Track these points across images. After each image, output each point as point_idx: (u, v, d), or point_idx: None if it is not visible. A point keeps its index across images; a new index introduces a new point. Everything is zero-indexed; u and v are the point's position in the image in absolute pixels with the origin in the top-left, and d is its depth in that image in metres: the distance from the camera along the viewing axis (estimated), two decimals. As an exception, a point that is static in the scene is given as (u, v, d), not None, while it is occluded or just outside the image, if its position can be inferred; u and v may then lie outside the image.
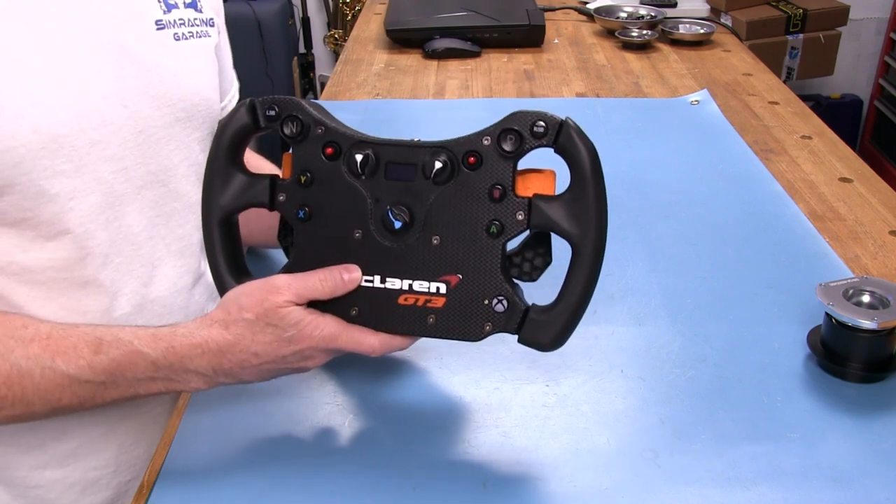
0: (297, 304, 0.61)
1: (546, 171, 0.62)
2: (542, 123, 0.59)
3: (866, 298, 0.74)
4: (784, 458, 0.65)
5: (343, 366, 0.77)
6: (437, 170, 0.61)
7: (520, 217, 0.61)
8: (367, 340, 0.63)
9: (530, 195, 0.61)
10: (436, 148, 0.62)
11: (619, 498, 0.62)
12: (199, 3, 0.80)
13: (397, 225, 0.62)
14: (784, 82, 1.56)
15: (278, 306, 0.60)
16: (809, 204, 1.04)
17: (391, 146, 0.63)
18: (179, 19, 0.77)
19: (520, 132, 0.60)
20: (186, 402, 0.72)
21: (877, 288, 0.74)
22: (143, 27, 0.74)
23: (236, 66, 0.94)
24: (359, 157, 0.62)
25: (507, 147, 0.60)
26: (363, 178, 0.63)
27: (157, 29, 0.75)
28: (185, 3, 0.78)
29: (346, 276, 0.62)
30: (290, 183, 0.64)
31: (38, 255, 0.68)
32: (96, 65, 0.69)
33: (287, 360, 0.62)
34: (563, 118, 0.60)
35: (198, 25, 0.79)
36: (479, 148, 0.61)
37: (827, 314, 0.73)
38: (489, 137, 0.61)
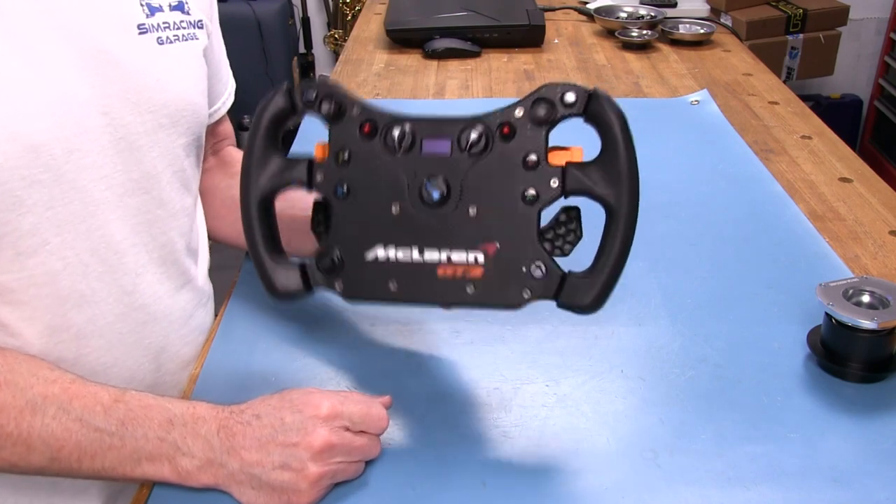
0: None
1: (573, 147, 0.64)
2: (572, 93, 0.61)
3: (866, 298, 0.74)
4: (784, 458, 0.65)
5: (343, 365, 0.77)
6: (472, 141, 0.62)
7: (554, 184, 0.62)
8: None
9: (563, 164, 0.63)
10: (470, 121, 0.63)
11: (619, 498, 0.62)
12: (186, 5, 0.78)
13: (435, 195, 0.63)
14: (784, 82, 1.56)
15: (310, 402, 0.63)
16: (809, 204, 1.04)
17: (426, 122, 0.64)
18: (164, 23, 0.75)
19: (551, 101, 0.62)
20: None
21: (877, 288, 0.74)
22: (125, 32, 0.72)
23: (236, 66, 0.93)
24: (396, 133, 0.63)
25: (539, 115, 0.62)
26: (400, 153, 0.64)
27: (140, 33, 0.73)
28: (170, 5, 0.76)
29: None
30: (327, 163, 0.65)
31: (18, 275, 0.66)
32: (75, 71, 0.67)
33: (283, 437, 0.62)
34: (593, 87, 0.62)
35: (184, 28, 0.77)
36: (512, 119, 0.63)
37: (827, 314, 0.74)
38: (521, 108, 0.62)
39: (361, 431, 0.64)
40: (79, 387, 0.63)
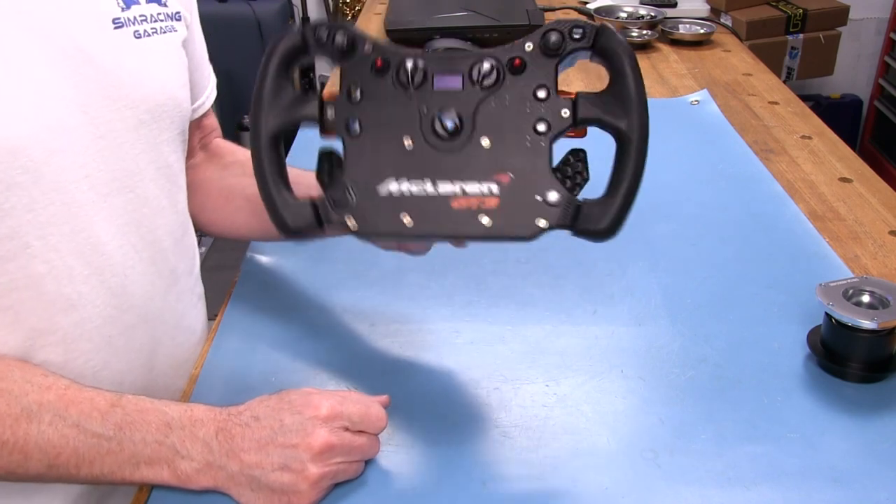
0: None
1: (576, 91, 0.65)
2: (580, 27, 0.63)
3: (866, 298, 0.74)
4: (784, 458, 0.65)
5: (343, 365, 0.77)
6: (484, 73, 0.63)
7: (565, 113, 0.63)
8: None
9: (573, 95, 0.64)
10: (481, 55, 0.64)
11: (619, 498, 0.62)
12: None
13: (449, 125, 0.63)
14: (784, 82, 1.56)
15: (310, 403, 0.63)
16: (809, 204, 1.04)
17: (438, 57, 0.65)
18: (140, 16, 0.74)
19: (561, 33, 0.63)
20: (187, 401, 0.72)
21: (877, 288, 0.74)
22: (100, 27, 0.70)
23: (236, 65, 0.92)
24: (409, 67, 0.64)
25: (549, 45, 0.63)
26: (412, 88, 0.64)
27: (115, 28, 0.71)
28: None
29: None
30: (339, 99, 0.65)
31: (1, 279, 0.65)
32: (52, 71, 0.66)
33: (282, 438, 0.61)
34: (600, 23, 0.63)
35: (162, 20, 0.76)
36: (522, 53, 0.63)
37: (827, 314, 0.73)
38: (531, 43, 0.63)
39: (361, 431, 0.64)
40: (74, 392, 0.63)
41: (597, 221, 0.63)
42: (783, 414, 0.70)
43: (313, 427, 0.61)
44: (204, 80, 0.87)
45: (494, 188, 0.63)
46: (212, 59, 0.91)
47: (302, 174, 0.68)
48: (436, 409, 0.72)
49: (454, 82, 0.64)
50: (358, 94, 0.64)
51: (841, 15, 2.74)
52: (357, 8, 3.06)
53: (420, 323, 0.81)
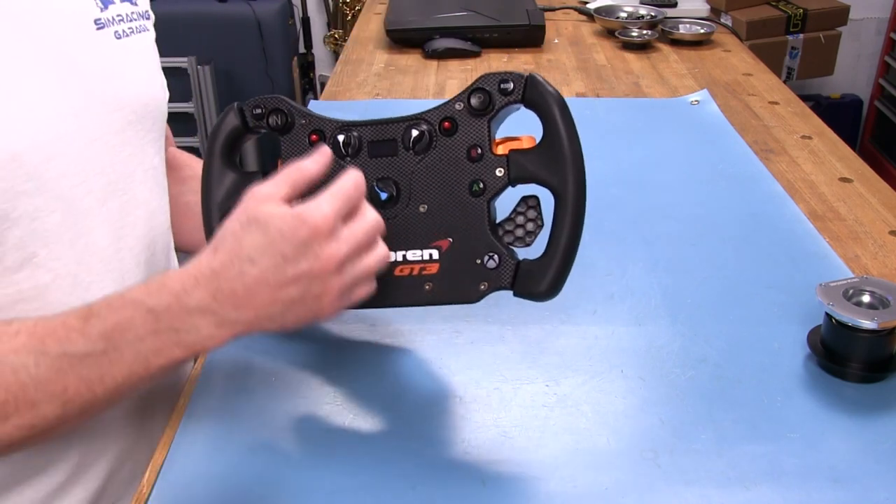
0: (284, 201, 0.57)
1: (524, 136, 0.64)
2: (508, 81, 0.63)
3: (866, 298, 0.74)
4: (784, 458, 0.65)
5: (343, 365, 0.77)
6: (415, 138, 0.64)
7: (499, 173, 0.63)
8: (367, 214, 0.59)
9: (507, 153, 0.63)
10: (412, 120, 0.65)
11: (619, 498, 0.62)
12: None
13: (384, 196, 0.64)
14: (784, 82, 1.56)
15: (259, 200, 0.57)
16: (809, 204, 1.04)
17: (371, 125, 0.66)
18: (118, 15, 0.73)
19: (488, 91, 0.63)
20: (186, 401, 0.72)
21: (877, 288, 0.74)
22: (82, 29, 0.70)
23: (236, 65, 0.93)
24: (341, 139, 0.65)
25: (476, 106, 0.63)
26: (348, 158, 0.66)
27: (97, 28, 0.71)
28: None
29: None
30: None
31: (4, 290, 0.64)
32: (41, 76, 0.65)
33: (293, 269, 0.55)
34: (528, 73, 0.63)
35: (136, 20, 0.75)
36: (452, 113, 0.64)
37: (827, 314, 0.73)
38: (461, 102, 0.64)
39: (351, 217, 0.59)
40: (44, 325, 0.58)
41: (536, 284, 0.63)
42: (783, 414, 0.70)
43: (319, 246, 0.56)
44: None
45: (434, 254, 0.64)
46: (212, 58, 0.90)
47: None
48: (436, 408, 0.72)
49: (389, 149, 0.65)
50: None
51: (841, 15, 2.75)
52: (357, 8, 3.06)
53: (420, 323, 0.81)
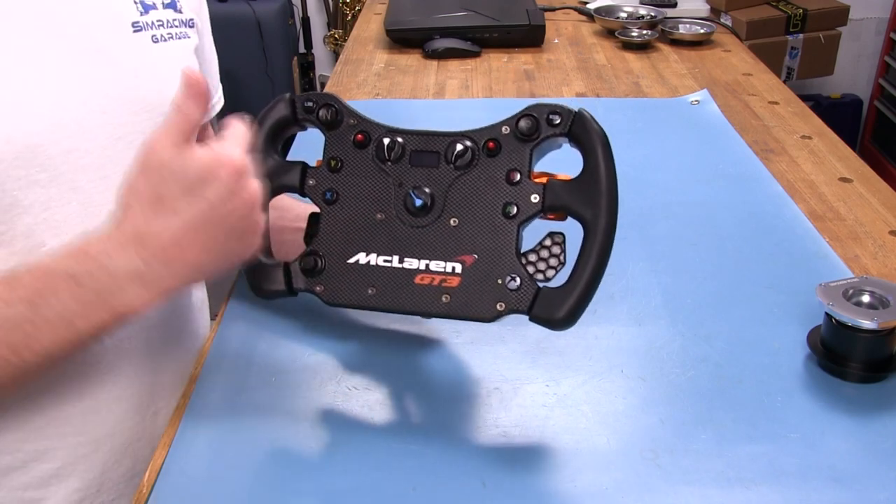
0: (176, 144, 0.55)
1: (561, 174, 0.65)
2: (557, 113, 0.64)
3: (866, 298, 0.74)
4: (784, 458, 0.65)
5: (344, 364, 0.77)
6: (458, 153, 0.65)
7: (534, 199, 0.64)
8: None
9: (545, 181, 0.65)
10: (458, 136, 0.66)
11: (619, 498, 0.62)
12: (178, 4, 0.78)
13: (418, 203, 0.65)
14: (784, 82, 1.56)
15: (152, 149, 0.55)
16: (809, 204, 1.04)
17: (417, 135, 0.67)
18: (157, 21, 0.75)
19: (536, 118, 0.64)
20: (187, 402, 0.72)
21: (877, 288, 0.74)
22: (120, 30, 0.71)
23: (236, 65, 0.93)
24: (386, 142, 0.67)
25: (524, 130, 0.64)
26: (389, 163, 0.67)
27: (134, 31, 0.72)
28: (163, 3, 0.76)
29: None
30: (320, 168, 0.68)
31: None
32: (72, 70, 0.67)
33: (219, 210, 0.55)
34: (578, 109, 0.64)
35: (177, 27, 0.77)
36: (498, 135, 0.65)
37: (827, 314, 0.73)
38: (508, 126, 0.65)
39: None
40: None
41: (554, 310, 0.64)
42: (783, 414, 0.70)
43: (237, 184, 0.56)
44: (212, 89, 0.88)
45: (458, 268, 0.65)
46: (212, 58, 0.91)
47: (294, 205, 0.69)
48: (435, 408, 0.72)
49: (430, 160, 0.66)
50: (338, 163, 0.68)
51: (841, 15, 2.75)
52: (357, 8, 3.06)
53: (420, 323, 0.81)
